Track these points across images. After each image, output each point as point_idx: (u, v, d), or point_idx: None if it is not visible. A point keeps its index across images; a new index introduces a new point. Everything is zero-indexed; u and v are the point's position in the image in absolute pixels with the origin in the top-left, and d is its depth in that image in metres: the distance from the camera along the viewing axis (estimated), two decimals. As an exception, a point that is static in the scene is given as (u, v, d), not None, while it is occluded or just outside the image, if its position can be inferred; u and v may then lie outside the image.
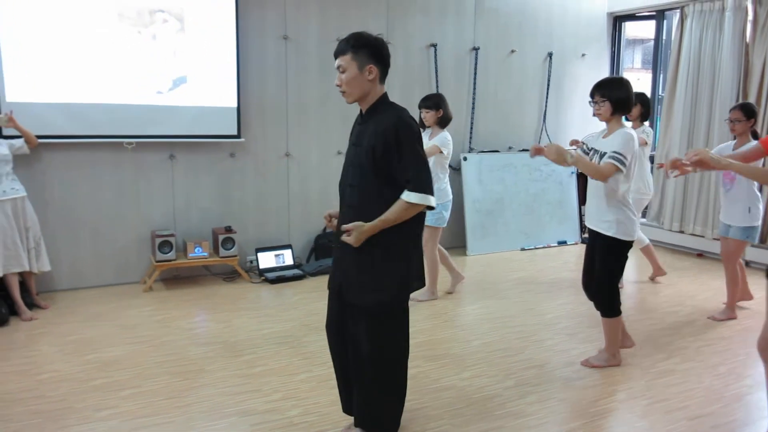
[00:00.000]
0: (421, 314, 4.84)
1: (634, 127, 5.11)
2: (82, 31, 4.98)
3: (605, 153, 3.57)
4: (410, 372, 3.72)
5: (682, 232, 6.98)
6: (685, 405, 3.40)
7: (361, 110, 2.81)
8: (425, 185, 2.65)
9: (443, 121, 4.98)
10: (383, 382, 2.83)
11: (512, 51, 7.21)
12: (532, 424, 3.18)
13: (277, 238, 6.09)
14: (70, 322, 4.55)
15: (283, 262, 5.93)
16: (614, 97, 3.57)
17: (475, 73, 6.98)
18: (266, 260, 5.85)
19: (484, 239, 6.92)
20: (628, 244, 3.68)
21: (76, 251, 5.29)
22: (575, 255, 6.88)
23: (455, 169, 6.95)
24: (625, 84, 3.63)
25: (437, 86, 6.74)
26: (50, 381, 3.59)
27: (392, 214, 2.65)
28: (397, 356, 2.86)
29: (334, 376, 3.66)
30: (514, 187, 7.13)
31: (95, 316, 4.69)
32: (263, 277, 5.71)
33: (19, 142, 4.69)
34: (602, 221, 3.66)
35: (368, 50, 2.66)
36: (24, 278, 4.72)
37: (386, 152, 2.64)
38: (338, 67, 2.70)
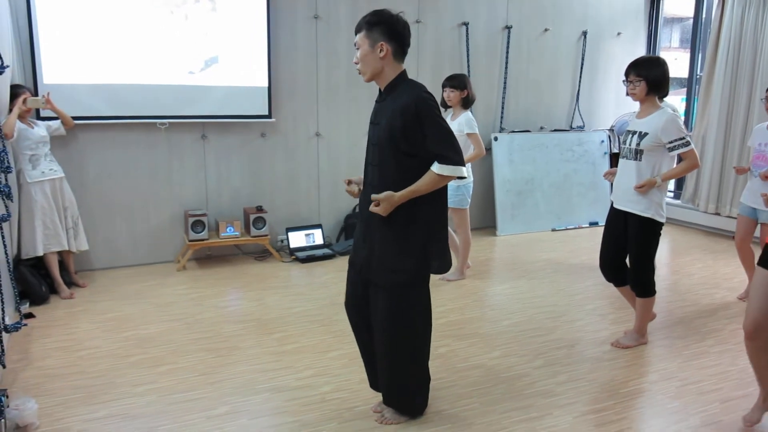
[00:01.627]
0: (452, 293, 4.85)
1: None
2: (116, 12, 5.04)
3: (642, 132, 3.54)
4: (440, 351, 3.76)
5: (718, 214, 6.84)
6: (718, 387, 3.36)
7: (379, 89, 2.80)
8: (455, 156, 2.65)
9: (467, 102, 4.92)
10: (405, 360, 2.86)
11: (546, 30, 7.09)
12: (562, 403, 3.18)
13: (308, 217, 6.14)
14: (108, 300, 4.66)
15: (314, 242, 5.98)
16: (650, 76, 3.52)
17: (507, 53, 6.90)
18: (297, 239, 5.91)
19: (515, 220, 6.88)
20: (662, 224, 3.66)
21: (111, 231, 5.40)
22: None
23: (485, 149, 6.90)
24: (661, 63, 3.58)
25: (468, 66, 6.68)
26: (90, 357, 3.69)
27: (423, 185, 2.66)
28: (416, 333, 2.86)
29: (364, 354, 3.71)
30: (545, 168, 7.06)
31: (131, 294, 4.79)
32: (294, 257, 5.77)
33: (56, 124, 4.79)
34: (639, 203, 3.61)
35: (381, 27, 2.66)
36: (63, 257, 4.84)
37: (407, 130, 2.64)
38: (355, 44, 2.73)
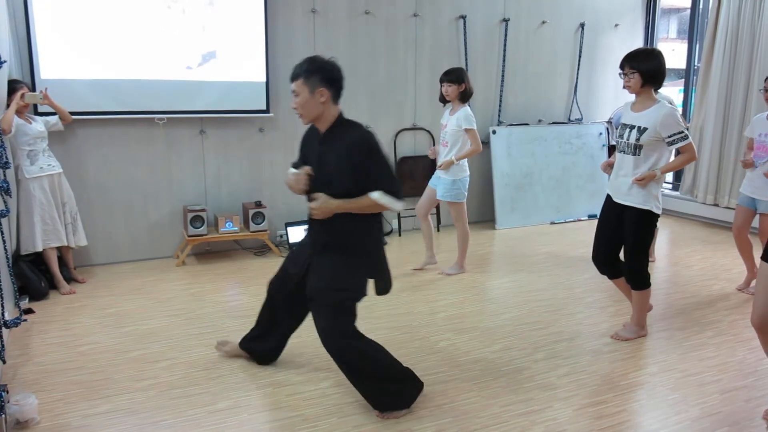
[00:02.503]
0: (451, 287, 4.85)
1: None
2: (113, 7, 5.01)
3: (641, 127, 3.55)
4: (440, 345, 3.77)
5: (716, 205, 6.85)
6: (718, 378, 3.37)
7: (318, 129, 2.95)
8: (395, 190, 2.83)
9: (465, 96, 4.92)
10: (367, 370, 2.95)
11: (543, 22, 7.08)
12: (562, 396, 3.19)
13: (307, 212, 6.12)
14: (107, 295, 4.66)
15: (313, 237, 5.96)
16: (644, 68, 3.52)
17: (505, 45, 6.89)
18: (296, 234, 5.90)
19: (514, 213, 6.88)
20: (659, 216, 3.69)
21: (110, 226, 5.39)
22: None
23: (484, 143, 6.90)
24: (656, 55, 3.57)
25: (466, 59, 6.67)
26: (90, 352, 3.69)
27: (358, 202, 2.83)
28: (353, 345, 2.94)
29: (364, 348, 3.71)
30: (544, 161, 7.06)
31: (131, 289, 4.79)
32: (293, 252, 5.77)
33: (53, 119, 4.77)
34: (638, 196, 3.62)
35: (320, 74, 2.81)
36: (62, 253, 4.84)
37: (357, 168, 2.81)
38: (293, 92, 2.86)
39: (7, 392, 2.88)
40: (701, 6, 7.31)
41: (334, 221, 2.90)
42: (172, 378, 3.37)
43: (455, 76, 4.86)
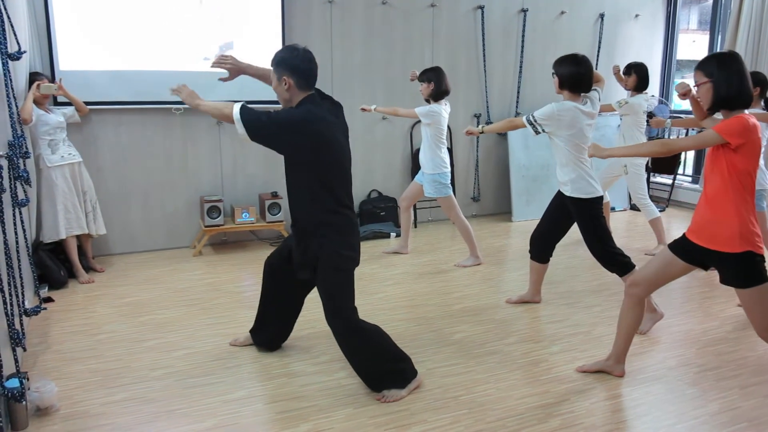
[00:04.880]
0: (467, 280, 4.84)
1: (631, 96, 5.47)
2: (131, -2, 5.04)
3: None
4: (455, 337, 3.77)
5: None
6: (737, 373, 3.33)
7: None
8: (247, 116, 2.85)
9: (437, 95, 4.97)
10: (356, 347, 3.07)
11: (562, 12, 7.01)
12: (579, 389, 3.16)
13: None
14: (125, 284, 4.70)
15: (329, 228, 5.97)
16: (558, 72, 3.79)
17: (523, 36, 6.82)
18: (312, 226, 5.91)
19: (530, 205, 6.84)
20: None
21: (128, 216, 5.43)
22: (623, 221, 6.77)
23: (500, 134, 6.86)
24: (569, 60, 3.79)
25: (484, 50, 6.62)
26: (108, 341, 3.73)
27: (213, 104, 2.99)
28: (354, 319, 3.05)
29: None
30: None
31: (148, 279, 4.83)
32: (309, 243, 5.77)
33: (70, 110, 4.81)
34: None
35: (283, 64, 2.95)
36: (81, 242, 4.88)
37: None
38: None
39: (28, 379, 2.92)
40: (724, -4, 7.20)
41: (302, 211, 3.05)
42: (188, 367, 3.39)
43: (425, 77, 4.98)
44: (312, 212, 2.98)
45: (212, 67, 3.29)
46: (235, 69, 3.31)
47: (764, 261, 2.73)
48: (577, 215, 3.88)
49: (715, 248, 2.75)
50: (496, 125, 4.33)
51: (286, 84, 2.95)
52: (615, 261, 3.77)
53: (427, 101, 5.03)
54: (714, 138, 2.66)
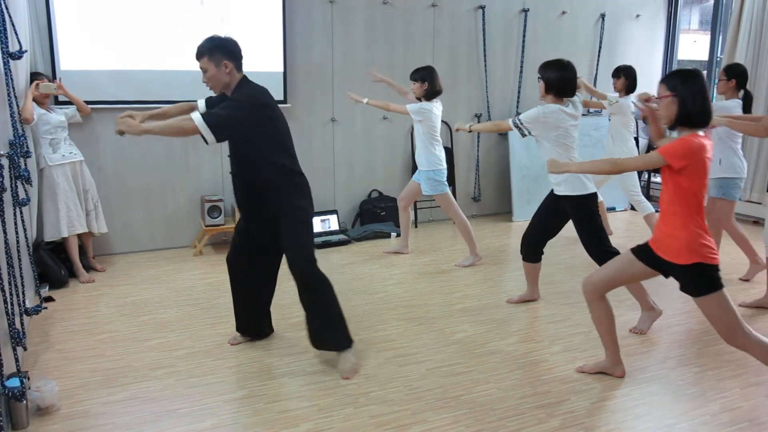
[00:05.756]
0: (468, 279, 4.84)
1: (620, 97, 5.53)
2: (132, -2, 5.04)
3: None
4: (456, 336, 3.77)
5: (739, 199, 6.74)
6: (738, 373, 3.33)
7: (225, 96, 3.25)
8: (212, 120, 2.98)
9: (429, 94, 4.99)
10: (318, 300, 3.30)
11: (563, 12, 7.01)
12: (580, 389, 3.16)
13: (323, 203, 6.14)
14: (126, 284, 4.70)
15: (329, 228, 5.98)
16: (545, 77, 3.87)
17: (524, 36, 6.82)
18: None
19: (531, 205, 6.79)
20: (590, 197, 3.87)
21: (128, 215, 5.43)
22: (624, 221, 6.76)
23: (501, 135, 6.86)
24: (562, 67, 3.87)
25: (485, 49, 6.62)
26: (109, 340, 3.73)
27: (165, 125, 3.06)
28: (317, 270, 3.29)
29: (380, 338, 3.73)
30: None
31: (149, 278, 4.83)
32: (310, 242, 5.78)
33: (71, 111, 4.82)
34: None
35: (221, 50, 3.14)
36: (82, 241, 4.88)
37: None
38: (201, 68, 3.18)
39: (29, 379, 2.92)
40: (725, -4, 7.20)
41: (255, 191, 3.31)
42: (189, 367, 3.39)
43: (419, 75, 4.99)
44: (274, 176, 3.23)
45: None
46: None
47: (717, 270, 2.79)
48: (572, 214, 3.89)
49: (668, 259, 2.85)
50: (483, 125, 4.46)
51: (227, 68, 3.14)
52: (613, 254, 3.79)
53: (419, 99, 5.04)
54: (657, 159, 2.72)
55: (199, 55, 3.17)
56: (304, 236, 3.28)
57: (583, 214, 3.84)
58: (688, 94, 2.71)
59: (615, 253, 3.74)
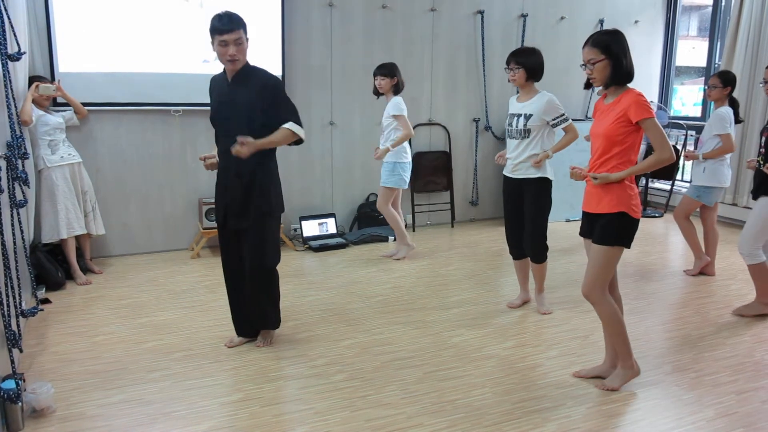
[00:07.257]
0: (465, 284, 4.84)
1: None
2: (131, 1, 5.04)
3: (527, 114, 3.99)
4: (453, 341, 3.77)
5: (735, 204, 6.78)
6: (734, 379, 3.33)
7: (225, 77, 3.40)
8: (301, 123, 3.40)
9: (397, 89, 5.10)
10: (273, 284, 3.58)
11: (562, 18, 7.03)
12: (576, 394, 3.17)
13: (321, 206, 6.14)
14: (123, 286, 4.70)
15: (327, 231, 5.98)
16: (528, 64, 3.94)
17: (523, 41, 6.84)
18: (310, 228, 5.92)
19: (529, 210, 6.83)
20: (552, 182, 4.07)
21: (126, 218, 5.43)
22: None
23: (499, 139, 6.87)
24: (537, 53, 3.98)
25: (483, 54, 6.64)
26: (105, 343, 3.72)
27: (277, 137, 3.29)
28: (276, 261, 3.54)
29: (376, 342, 3.73)
30: (559, 157, 6.94)
31: (146, 281, 4.83)
32: (307, 245, 5.78)
33: (69, 114, 4.82)
34: (531, 168, 3.99)
35: (245, 26, 3.31)
36: (80, 243, 4.88)
37: (269, 106, 3.30)
38: (235, 41, 3.24)
39: (24, 381, 2.92)
40: (723, 3, 7.23)
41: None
42: (186, 369, 3.39)
43: (387, 70, 5.07)
44: (265, 158, 3.37)
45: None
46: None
47: (635, 226, 2.97)
48: (534, 194, 4.01)
49: (597, 212, 2.99)
50: (558, 145, 4.12)
51: (248, 42, 3.32)
52: (542, 244, 4.08)
53: (380, 95, 5.15)
54: (654, 123, 2.88)
55: (238, 25, 3.24)
56: (271, 233, 3.52)
57: (545, 193, 4.03)
58: (621, 53, 2.84)
59: (546, 241, 4.07)
